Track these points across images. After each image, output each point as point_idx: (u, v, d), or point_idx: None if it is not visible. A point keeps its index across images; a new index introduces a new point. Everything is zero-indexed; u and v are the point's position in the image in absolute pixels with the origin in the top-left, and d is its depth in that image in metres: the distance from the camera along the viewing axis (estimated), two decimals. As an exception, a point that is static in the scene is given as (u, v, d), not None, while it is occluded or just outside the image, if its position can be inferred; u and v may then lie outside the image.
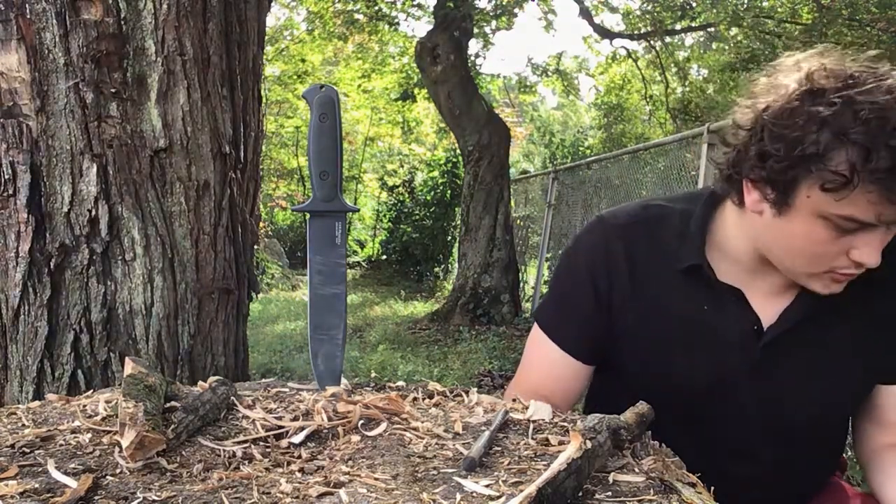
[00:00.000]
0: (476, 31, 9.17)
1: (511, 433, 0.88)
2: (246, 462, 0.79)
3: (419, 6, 10.07)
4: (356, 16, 10.31)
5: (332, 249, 1.08)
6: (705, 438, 1.20)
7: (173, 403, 0.89)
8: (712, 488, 0.84)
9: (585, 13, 10.96)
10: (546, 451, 0.81)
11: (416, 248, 12.25)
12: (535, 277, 8.58)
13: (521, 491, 0.65)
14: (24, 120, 1.51)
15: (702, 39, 13.12)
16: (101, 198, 1.53)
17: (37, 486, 0.70)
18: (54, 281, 1.53)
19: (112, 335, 1.57)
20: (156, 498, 0.68)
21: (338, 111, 1.05)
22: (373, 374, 4.98)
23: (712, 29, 10.88)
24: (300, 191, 15.51)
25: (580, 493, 0.71)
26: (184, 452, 0.80)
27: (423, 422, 0.91)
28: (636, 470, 0.78)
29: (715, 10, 9.40)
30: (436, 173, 12.42)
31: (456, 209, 11.35)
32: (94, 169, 1.52)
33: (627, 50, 12.29)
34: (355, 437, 0.85)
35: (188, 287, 1.64)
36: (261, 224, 11.89)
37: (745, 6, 9.32)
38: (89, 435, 0.84)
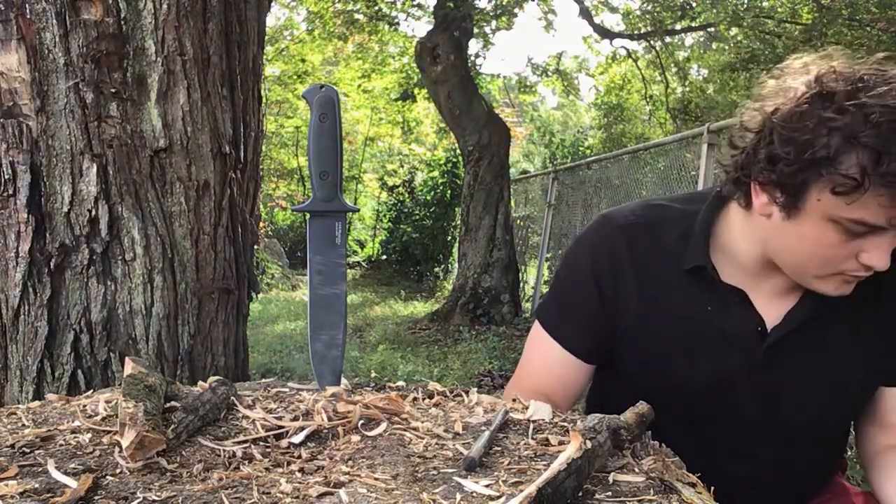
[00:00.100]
0: (476, 31, 9.17)
1: (511, 433, 0.88)
2: (246, 462, 0.79)
3: (419, 6, 10.07)
4: (356, 16, 10.31)
5: (332, 249, 1.08)
6: (705, 438, 1.20)
7: (173, 403, 0.89)
8: (712, 488, 0.84)
9: (585, 13, 10.97)
10: (546, 451, 0.81)
11: (416, 248, 12.25)
12: (535, 277, 8.59)
13: (521, 491, 0.65)
14: (24, 120, 1.51)
15: (702, 39, 13.12)
16: (101, 198, 1.53)
17: (37, 486, 0.70)
18: (54, 281, 1.53)
19: (112, 335, 1.57)
20: (156, 498, 0.68)
21: (338, 111, 1.05)
22: (373, 374, 4.98)
23: (712, 29, 10.88)
24: (300, 191, 15.51)
25: (580, 493, 0.71)
26: (184, 452, 0.80)
27: (423, 422, 0.91)
28: (636, 470, 0.78)
29: (715, 10, 9.40)
30: (436, 173, 12.43)
31: (456, 209, 11.35)
32: (94, 169, 1.52)
33: (627, 50, 12.30)
34: (355, 437, 0.85)
35: (188, 287, 1.64)
36: (261, 224, 11.89)
37: (745, 6, 9.31)
38: (89, 435, 0.84)
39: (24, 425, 0.89)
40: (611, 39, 11.93)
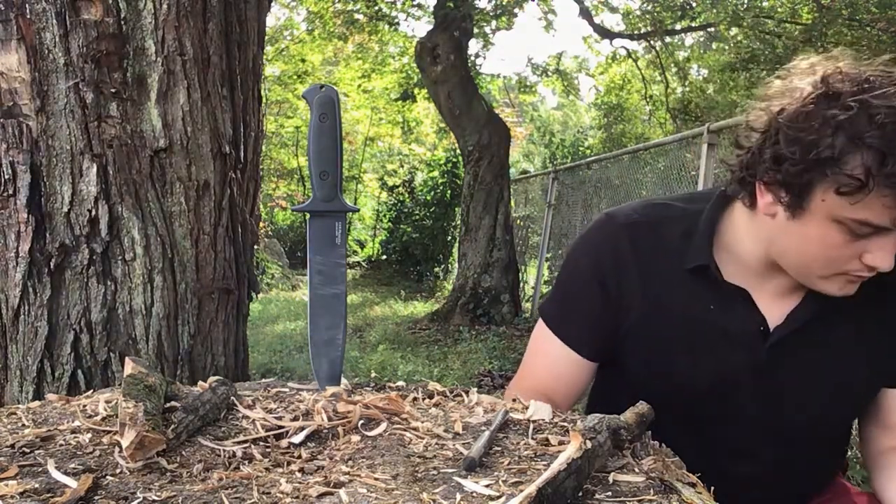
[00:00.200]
0: (476, 31, 9.17)
1: (511, 433, 0.88)
2: (246, 462, 0.79)
3: (419, 6, 10.07)
4: (356, 16, 10.31)
5: (332, 249, 1.08)
6: (706, 438, 1.20)
7: (173, 403, 0.89)
8: (712, 488, 0.84)
9: (585, 13, 10.97)
10: (546, 451, 0.81)
11: (416, 248, 12.25)
12: (535, 277, 8.59)
13: (521, 491, 0.65)
14: (24, 120, 1.51)
15: (702, 39, 13.12)
16: (101, 198, 1.53)
17: (37, 486, 0.70)
18: (54, 281, 1.53)
19: (112, 335, 1.57)
20: (156, 498, 0.68)
21: (338, 111, 1.05)
22: (373, 374, 4.98)
23: (712, 29, 10.88)
24: (300, 191, 15.51)
25: (580, 493, 0.71)
26: (184, 452, 0.80)
27: (423, 422, 0.91)
28: (636, 470, 0.78)
29: (715, 10, 9.40)
30: (436, 173, 12.43)
31: (456, 209, 11.35)
32: (94, 169, 1.52)
33: (627, 50, 12.30)
34: (355, 437, 0.85)
35: (188, 287, 1.64)
36: (261, 224, 11.89)
37: (745, 6, 9.31)
38: (89, 435, 0.84)
39: (24, 425, 0.89)
40: (611, 39, 11.93)
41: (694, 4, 10.18)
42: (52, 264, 1.52)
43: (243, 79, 1.77)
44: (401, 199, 13.21)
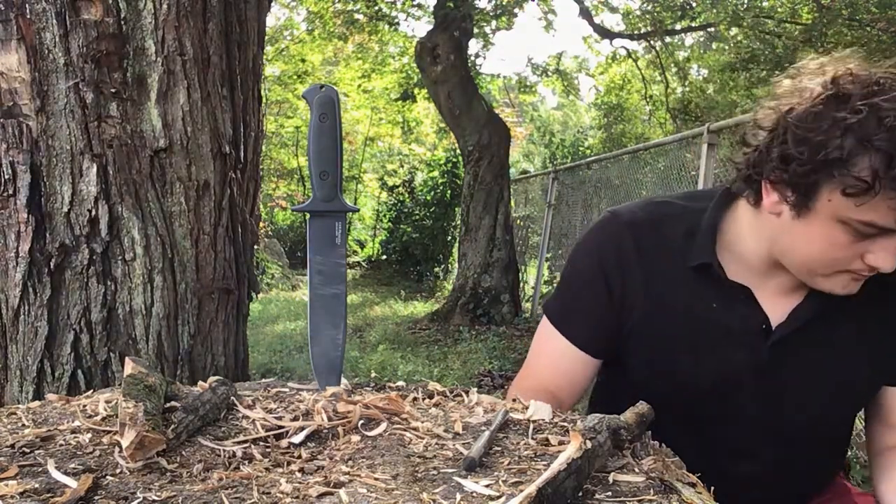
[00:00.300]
0: (476, 31, 9.17)
1: (511, 433, 0.88)
2: (246, 462, 0.79)
3: (419, 6, 10.07)
4: (356, 16, 10.31)
5: (332, 249, 1.08)
6: (706, 438, 1.20)
7: (173, 403, 0.89)
8: (712, 488, 0.84)
9: (585, 13, 10.97)
10: (546, 451, 0.81)
11: (416, 248, 12.25)
12: (535, 277, 8.58)
13: (521, 491, 0.65)
14: (24, 120, 1.51)
15: (702, 39, 13.12)
16: (101, 198, 1.53)
17: (37, 486, 0.70)
18: (54, 281, 1.53)
19: (112, 335, 1.57)
20: (156, 498, 0.68)
21: (338, 111, 1.05)
22: (373, 374, 4.98)
23: (712, 29, 10.88)
24: (300, 191, 15.51)
25: (580, 493, 0.71)
26: (184, 452, 0.80)
27: (423, 422, 0.91)
28: (636, 470, 0.78)
29: (715, 10, 9.41)
30: (436, 173, 12.42)
31: (456, 209, 11.35)
32: (94, 169, 1.52)
33: (627, 50, 12.30)
34: (355, 437, 0.85)
35: (188, 287, 1.64)
36: (261, 224, 11.89)
37: (745, 6, 9.32)
38: (89, 435, 0.84)
39: (24, 425, 0.89)
40: (611, 39, 11.93)
41: (694, 4, 10.18)
42: (52, 264, 1.52)
43: (243, 79, 1.77)
44: (401, 199, 13.21)
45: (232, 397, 0.95)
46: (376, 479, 0.74)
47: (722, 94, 11.31)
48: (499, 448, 0.83)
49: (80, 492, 0.67)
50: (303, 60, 13.04)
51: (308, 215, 1.07)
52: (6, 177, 1.50)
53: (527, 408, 0.97)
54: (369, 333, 7.08)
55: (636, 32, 11.46)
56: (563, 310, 1.30)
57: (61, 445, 0.81)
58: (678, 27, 11.01)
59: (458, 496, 0.69)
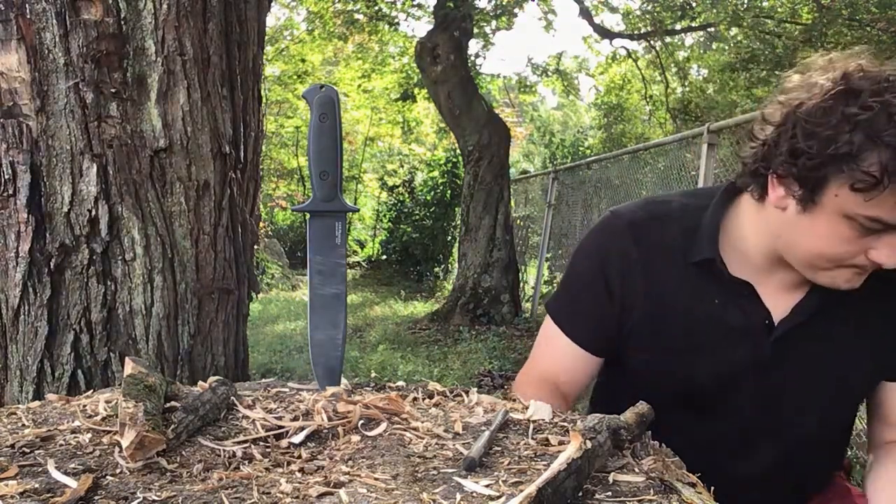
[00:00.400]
0: (476, 31, 9.17)
1: (511, 433, 0.88)
2: (246, 462, 0.79)
3: (419, 6, 10.07)
4: (356, 16, 10.31)
5: (332, 249, 1.08)
6: (706, 438, 1.20)
7: (173, 403, 0.89)
8: (712, 488, 0.84)
9: (585, 13, 10.97)
10: (546, 451, 0.81)
11: (416, 248, 12.25)
12: (535, 277, 8.58)
13: (521, 491, 0.65)
14: (24, 120, 1.51)
15: (702, 39, 13.12)
16: (101, 198, 1.53)
17: (37, 486, 0.70)
18: (54, 281, 1.53)
19: (112, 335, 1.57)
20: (156, 498, 0.68)
21: (338, 111, 1.05)
22: (373, 374, 4.98)
23: (712, 29, 10.88)
24: (300, 191, 15.51)
25: (580, 493, 0.71)
26: (184, 452, 0.80)
27: (423, 422, 0.91)
28: (636, 470, 0.78)
29: (715, 10, 9.40)
30: (436, 173, 12.42)
31: (456, 209, 11.35)
32: (94, 169, 1.52)
33: (627, 50, 12.30)
34: (355, 437, 0.85)
35: (188, 287, 1.64)
36: (261, 224, 11.89)
37: (745, 6, 9.32)
38: (89, 435, 0.84)
39: (24, 425, 0.89)
40: (611, 39, 11.93)
41: (694, 4, 10.18)
42: (52, 264, 1.52)
43: (243, 79, 1.77)
44: (401, 199, 13.21)
45: (232, 397, 0.95)
46: (376, 479, 0.74)
47: (722, 94, 11.31)
48: (499, 448, 0.83)
49: (80, 492, 0.67)
50: (303, 60, 13.04)
51: (308, 215, 1.07)
52: (6, 177, 1.50)
53: (527, 408, 0.97)
54: (369, 333, 7.08)
55: (636, 32, 11.45)
56: (565, 309, 1.31)
57: (61, 445, 0.81)
58: (678, 27, 11.01)
59: (458, 496, 0.69)
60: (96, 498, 0.68)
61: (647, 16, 10.84)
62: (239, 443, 0.83)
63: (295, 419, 0.89)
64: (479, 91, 8.62)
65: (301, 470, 0.77)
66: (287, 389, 1.05)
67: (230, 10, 1.70)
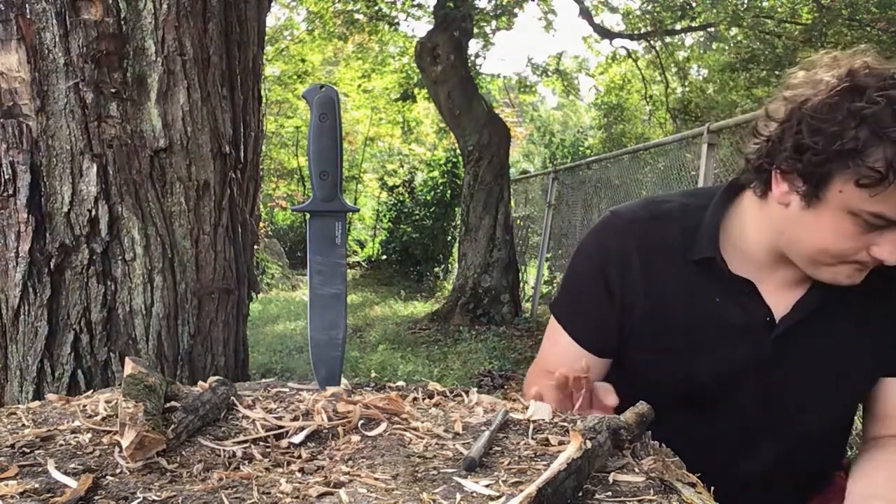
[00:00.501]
0: (476, 31, 9.17)
1: (511, 433, 0.88)
2: (246, 462, 0.79)
3: (419, 6, 10.07)
4: (356, 16, 10.31)
5: (332, 249, 1.08)
6: (707, 437, 1.21)
7: (173, 403, 0.89)
8: (712, 488, 0.84)
9: (585, 13, 10.97)
10: (546, 451, 0.81)
11: (416, 248, 12.25)
12: (535, 277, 8.58)
13: (521, 491, 0.65)
14: (24, 120, 1.51)
15: (702, 39, 13.12)
16: (101, 198, 1.53)
17: (37, 486, 0.70)
18: (54, 281, 1.53)
19: (112, 335, 1.57)
20: (156, 498, 0.68)
21: (338, 111, 1.05)
22: (373, 374, 4.98)
23: (712, 29, 10.88)
24: (300, 191, 15.51)
25: (580, 493, 0.71)
26: (184, 452, 0.80)
27: (423, 422, 0.91)
28: (636, 470, 0.78)
29: (715, 10, 9.40)
30: (436, 173, 12.42)
31: (456, 209, 11.35)
32: (94, 169, 1.52)
33: (627, 50, 12.29)
34: (355, 437, 0.85)
35: (188, 287, 1.64)
36: (261, 224, 11.89)
37: (745, 6, 9.32)
38: (89, 435, 0.84)
39: (24, 425, 0.89)
40: (611, 39, 11.93)
41: (694, 4, 10.18)
42: (52, 264, 1.52)
43: (243, 79, 1.77)
44: (401, 199, 13.21)
45: (232, 397, 0.95)
46: (376, 479, 0.74)
47: (722, 94, 11.31)
48: (499, 448, 0.83)
49: (80, 492, 0.67)
50: (303, 60, 13.04)
51: (308, 215, 1.07)
52: (6, 177, 1.50)
53: (527, 408, 0.97)
54: (369, 333, 7.08)
55: (636, 32, 11.45)
56: (567, 309, 1.31)
57: (61, 445, 0.81)
58: (678, 27, 11.01)
59: (458, 496, 0.69)
60: (96, 498, 0.68)
61: (647, 16, 10.84)
62: (239, 443, 0.83)
63: (295, 419, 0.89)
64: (479, 91, 8.62)
65: (301, 470, 0.77)
66: (287, 389, 1.05)
67: (230, 10, 1.70)
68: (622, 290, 1.22)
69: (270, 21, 12.73)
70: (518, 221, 9.59)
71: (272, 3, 2.40)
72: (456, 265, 9.63)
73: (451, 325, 7.39)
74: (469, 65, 8.86)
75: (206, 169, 1.64)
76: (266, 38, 2.16)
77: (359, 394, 1.02)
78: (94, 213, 1.53)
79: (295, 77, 13.18)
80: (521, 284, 8.66)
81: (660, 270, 1.21)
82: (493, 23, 10.07)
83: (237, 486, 0.72)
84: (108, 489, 0.70)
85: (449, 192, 11.95)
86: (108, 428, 0.86)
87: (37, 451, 0.79)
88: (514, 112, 18.15)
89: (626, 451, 0.83)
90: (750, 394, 1.20)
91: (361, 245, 14.88)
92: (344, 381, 1.08)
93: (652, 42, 11.59)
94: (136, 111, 1.55)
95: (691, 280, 1.19)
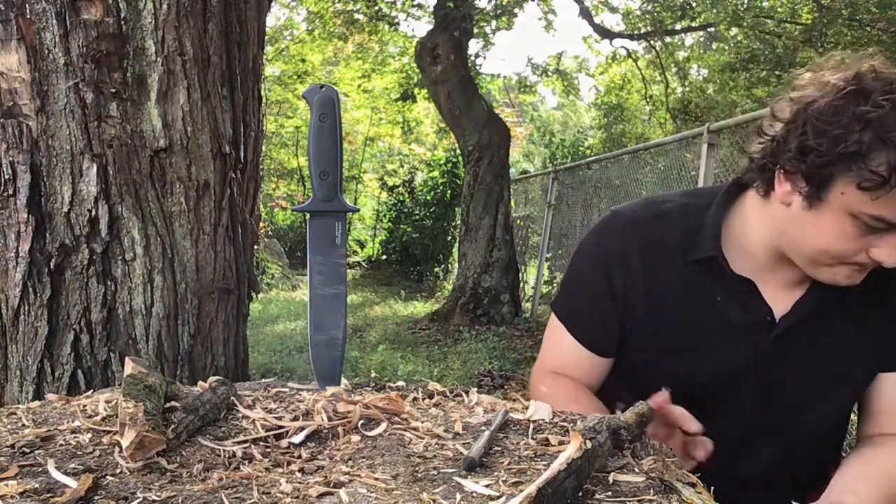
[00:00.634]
0: (476, 31, 9.17)
1: (511, 433, 0.88)
2: (246, 462, 0.79)
3: (419, 6, 10.07)
4: (356, 16, 10.31)
5: (332, 249, 1.08)
6: (708, 435, 1.21)
7: (173, 403, 0.89)
8: (712, 488, 0.84)
9: (585, 13, 10.97)
10: (546, 451, 0.81)
11: (416, 248, 12.25)
12: (535, 277, 8.58)
13: (521, 491, 0.65)
14: (24, 120, 1.51)
15: (702, 39, 13.12)
16: (101, 198, 1.53)
17: (37, 486, 0.70)
18: (54, 281, 1.53)
19: (112, 335, 1.57)
20: (156, 498, 0.68)
21: (338, 111, 1.05)
22: (373, 374, 4.98)
23: (712, 29, 10.88)
24: (300, 191, 15.51)
25: (580, 493, 0.71)
26: (184, 452, 0.80)
27: (423, 422, 0.91)
28: (636, 470, 0.78)
29: (715, 10, 9.41)
30: (436, 173, 12.42)
31: (456, 209, 11.35)
32: (94, 169, 1.52)
33: (627, 50, 12.30)
34: (355, 437, 0.85)
35: (188, 287, 1.64)
36: (261, 224, 11.89)
37: (745, 6, 9.32)
38: (89, 435, 0.84)
39: (24, 425, 0.89)
40: (611, 39, 11.93)
41: (694, 4, 10.18)
42: (52, 264, 1.52)
43: (243, 79, 1.77)
44: (401, 199, 13.21)
45: (232, 397, 0.95)
46: (376, 479, 0.74)
47: (722, 94, 11.31)
48: (499, 448, 0.83)
49: (80, 492, 0.67)
50: (303, 60, 13.04)
51: (308, 215, 1.07)
52: (6, 177, 1.50)
53: (527, 408, 0.97)
54: (369, 333, 7.08)
55: (636, 32, 11.46)
56: (569, 309, 1.31)
57: (61, 445, 0.81)
58: (678, 27, 11.01)
59: (458, 496, 0.69)
60: (96, 498, 0.68)
61: (647, 16, 10.84)
62: (239, 443, 0.83)
63: (295, 419, 0.89)
64: (479, 91, 8.62)
65: (301, 470, 0.77)
66: (287, 389, 1.05)
67: (230, 10, 1.70)
68: (624, 289, 1.23)
69: (270, 21, 12.73)
70: (518, 221, 9.59)
71: (272, 3, 2.40)
72: (456, 265, 9.63)
73: (451, 325, 7.40)
74: (469, 65, 8.86)
75: (206, 169, 1.64)
76: (266, 38, 2.16)
77: (359, 394, 1.02)
78: (94, 213, 1.53)
79: (295, 77, 13.18)
80: (521, 284, 8.66)
81: (660, 270, 1.21)
82: (493, 23, 10.07)
83: (237, 486, 0.72)
84: (108, 489, 0.70)
85: (449, 192, 11.95)
86: (108, 428, 0.86)
87: (37, 451, 0.79)
88: (514, 112, 18.15)
89: (626, 451, 0.83)
90: (750, 393, 1.20)
91: (361, 245, 14.88)
92: (344, 381, 1.08)
93: (652, 42, 11.59)
94: (136, 111, 1.55)
95: (692, 280, 1.20)
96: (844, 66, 1.05)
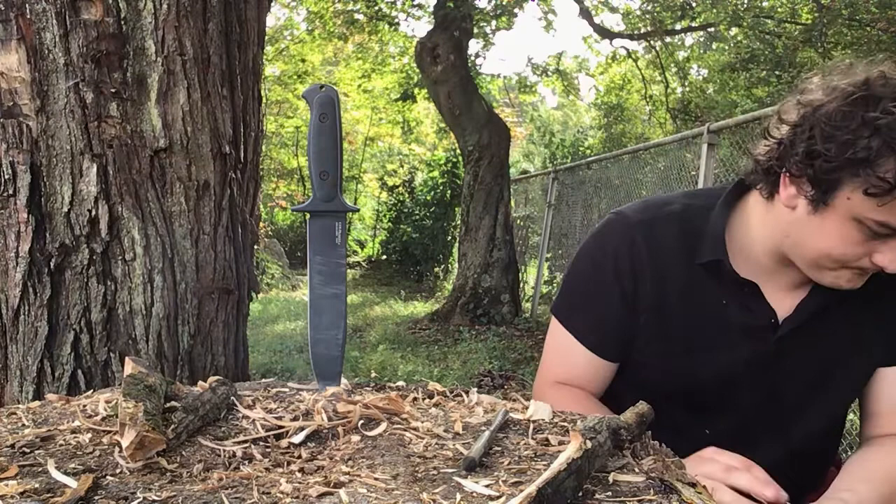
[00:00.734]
0: (476, 31, 9.17)
1: (511, 433, 0.88)
2: (246, 462, 0.79)
3: (419, 6, 10.07)
4: (356, 16, 10.32)
5: (332, 249, 1.08)
6: (707, 437, 1.21)
7: (173, 403, 0.89)
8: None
9: (585, 13, 10.97)
10: (546, 451, 0.81)
11: (416, 248, 12.26)
12: (535, 277, 8.59)
13: (521, 491, 0.65)
14: (24, 120, 1.51)
15: (702, 39, 13.12)
16: (101, 198, 1.53)
17: (37, 486, 0.70)
18: (54, 281, 1.53)
19: (112, 335, 1.57)
20: (156, 498, 0.68)
21: (338, 111, 1.05)
22: (373, 374, 4.98)
23: (712, 29, 10.89)
24: (300, 191, 15.52)
25: (580, 493, 0.71)
26: (184, 452, 0.80)
27: (423, 422, 0.91)
28: (636, 470, 0.78)
29: (715, 10, 9.41)
30: (436, 173, 12.43)
31: (456, 209, 11.35)
32: (94, 169, 1.52)
33: (627, 50, 12.31)
34: (355, 437, 0.85)
35: (188, 287, 1.64)
36: (261, 224, 11.89)
37: (745, 6, 9.32)
38: (89, 435, 0.84)
39: (24, 425, 0.89)
40: (611, 39, 11.93)
41: (694, 4, 10.18)
42: (52, 264, 1.52)
43: (243, 79, 1.77)
44: (401, 199, 13.22)
45: (232, 397, 0.95)
46: (376, 479, 0.74)
47: (722, 94, 11.32)
48: (499, 448, 0.83)
49: (80, 492, 0.67)
50: (303, 60, 13.05)
51: (308, 215, 1.07)
52: (6, 177, 1.50)
53: (527, 408, 0.97)
54: (369, 333, 7.08)
55: (636, 32, 11.46)
56: (572, 312, 1.30)
57: (61, 445, 0.81)
58: (678, 27, 11.02)
59: (458, 496, 0.69)
60: (96, 498, 0.68)
61: (647, 16, 10.85)
62: (239, 443, 0.83)
63: (295, 419, 0.89)
64: (479, 91, 8.63)
65: (301, 470, 0.77)
66: (287, 389, 1.05)
67: (230, 10, 1.70)
68: (634, 291, 1.22)
69: (270, 21, 12.74)
70: (518, 221, 9.60)
71: (272, 3, 2.41)
72: (456, 265, 9.63)
73: (451, 325, 7.40)
74: (469, 65, 8.86)
75: (206, 169, 1.64)
76: (266, 38, 2.16)
77: (359, 394, 1.02)
78: (94, 213, 1.53)
79: (295, 77, 13.19)
80: (521, 284, 8.66)
81: (663, 272, 1.21)
82: (493, 23, 10.08)
83: (237, 486, 0.72)
84: (108, 489, 0.70)
85: (449, 192, 11.96)
86: (108, 428, 0.86)
87: (37, 451, 0.79)
88: (514, 112, 18.16)
89: (626, 451, 0.83)
90: (751, 394, 1.20)
91: (361, 245, 14.89)
92: (344, 381, 1.08)
93: (652, 42, 11.60)
94: (136, 111, 1.55)
95: (695, 282, 1.20)
96: (854, 71, 1.05)
